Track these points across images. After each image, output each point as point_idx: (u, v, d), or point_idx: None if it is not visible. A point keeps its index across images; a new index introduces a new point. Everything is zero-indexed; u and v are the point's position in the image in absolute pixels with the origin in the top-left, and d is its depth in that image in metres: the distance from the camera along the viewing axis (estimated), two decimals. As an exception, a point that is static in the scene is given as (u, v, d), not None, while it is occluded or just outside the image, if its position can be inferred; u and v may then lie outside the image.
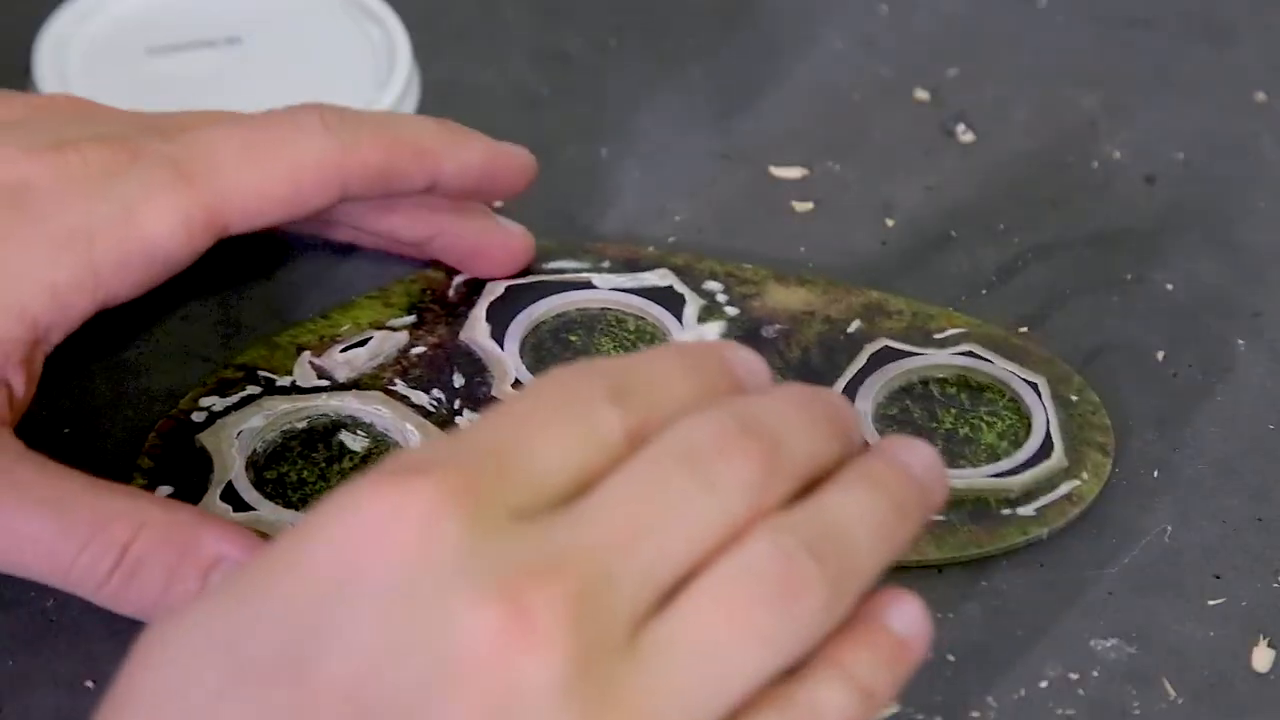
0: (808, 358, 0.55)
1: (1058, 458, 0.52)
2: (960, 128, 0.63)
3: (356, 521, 0.38)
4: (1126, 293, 0.59)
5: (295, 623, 0.38)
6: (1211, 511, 0.53)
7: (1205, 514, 0.53)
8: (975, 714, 0.49)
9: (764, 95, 0.64)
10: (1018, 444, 0.53)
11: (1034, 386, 0.54)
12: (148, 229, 0.49)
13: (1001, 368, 0.55)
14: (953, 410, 0.54)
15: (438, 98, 0.64)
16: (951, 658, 0.50)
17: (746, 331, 0.56)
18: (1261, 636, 0.50)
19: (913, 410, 0.54)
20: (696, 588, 0.39)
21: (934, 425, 0.54)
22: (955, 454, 0.53)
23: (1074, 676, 0.50)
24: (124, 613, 0.48)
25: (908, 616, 0.42)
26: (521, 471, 0.39)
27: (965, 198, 0.61)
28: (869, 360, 0.55)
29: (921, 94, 0.65)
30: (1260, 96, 0.65)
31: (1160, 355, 0.57)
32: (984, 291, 0.59)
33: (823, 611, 0.40)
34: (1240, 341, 0.57)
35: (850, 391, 0.54)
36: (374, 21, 0.64)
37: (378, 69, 0.63)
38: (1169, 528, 0.53)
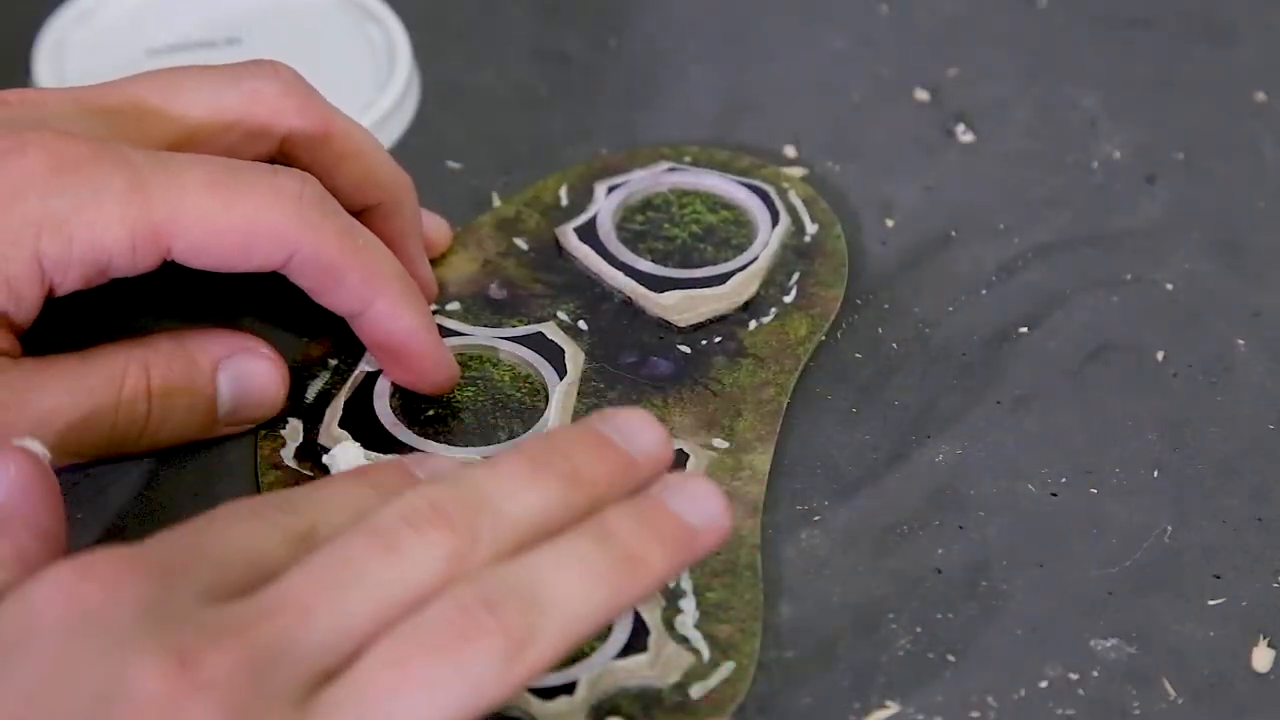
0: None
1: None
2: (960, 128, 0.63)
3: (46, 581, 0.40)
4: (1126, 293, 0.59)
5: None
6: (1211, 511, 0.53)
7: (1205, 514, 0.53)
8: (975, 714, 0.49)
9: (764, 95, 0.65)
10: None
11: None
12: (94, 231, 0.49)
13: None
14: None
15: (438, 98, 0.64)
16: (951, 658, 0.50)
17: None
18: (1261, 636, 0.50)
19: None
20: (372, 648, 0.40)
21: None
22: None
23: (1074, 676, 0.50)
24: (159, 447, 0.52)
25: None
26: (202, 557, 0.41)
27: (965, 198, 0.61)
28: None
29: (921, 94, 0.65)
30: (1260, 96, 0.65)
31: (1160, 355, 0.57)
32: (984, 291, 0.59)
33: (500, 661, 0.40)
34: (1240, 341, 0.57)
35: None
36: (374, 21, 0.64)
37: (378, 69, 0.63)
38: (1169, 528, 0.53)
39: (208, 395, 0.52)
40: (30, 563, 0.44)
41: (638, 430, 0.45)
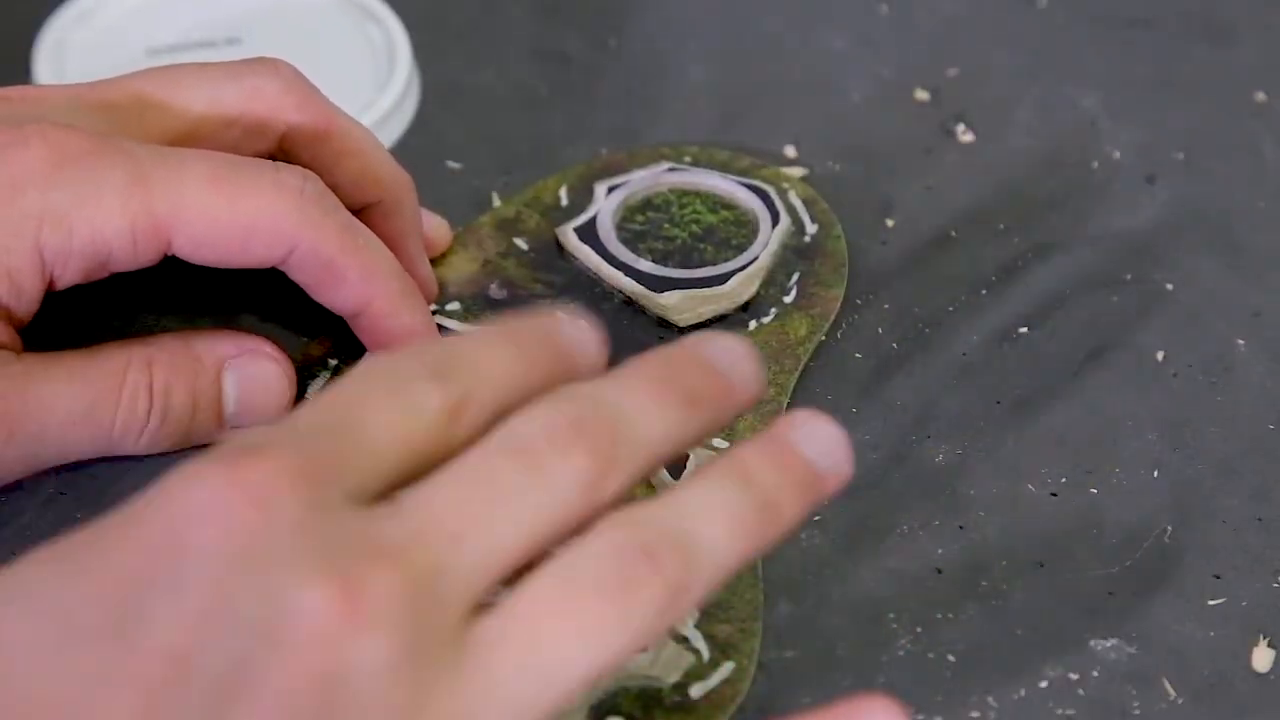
0: None
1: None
2: (960, 128, 0.63)
3: (192, 497, 0.39)
4: (1126, 293, 0.59)
5: (125, 588, 0.38)
6: (1211, 511, 0.53)
7: (1205, 514, 0.53)
8: (975, 714, 0.49)
9: (764, 95, 0.65)
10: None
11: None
12: (95, 224, 0.49)
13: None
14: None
15: (438, 98, 0.64)
16: (951, 658, 0.50)
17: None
18: (1261, 636, 0.50)
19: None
20: (529, 583, 0.39)
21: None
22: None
23: (1074, 676, 0.50)
24: (161, 450, 0.52)
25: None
26: (352, 452, 0.40)
27: (965, 198, 0.61)
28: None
29: (921, 94, 0.65)
30: (1260, 96, 0.65)
31: (1160, 355, 0.57)
32: (984, 291, 0.59)
33: (657, 614, 0.40)
34: (1240, 341, 0.57)
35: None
36: (374, 21, 0.64)
37: (378, 69, 0.63)
38: (1169, 528, 0.53)
39: (212, 395, 0.52)
40: None
41: (738, 358, 0.44)
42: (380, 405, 0.41)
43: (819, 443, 0.43)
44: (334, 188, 0.53)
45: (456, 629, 0.39)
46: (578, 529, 0.40)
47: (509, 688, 0.39)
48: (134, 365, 0.51)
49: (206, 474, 0.39)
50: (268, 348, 0.54)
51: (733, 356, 0.44)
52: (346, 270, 0.52)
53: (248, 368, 0.53)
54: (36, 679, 0.38)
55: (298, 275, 0.52)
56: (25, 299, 0.50)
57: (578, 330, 0.44)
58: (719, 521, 0.41)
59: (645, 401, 0.42)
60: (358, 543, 0.39)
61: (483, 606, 0.39)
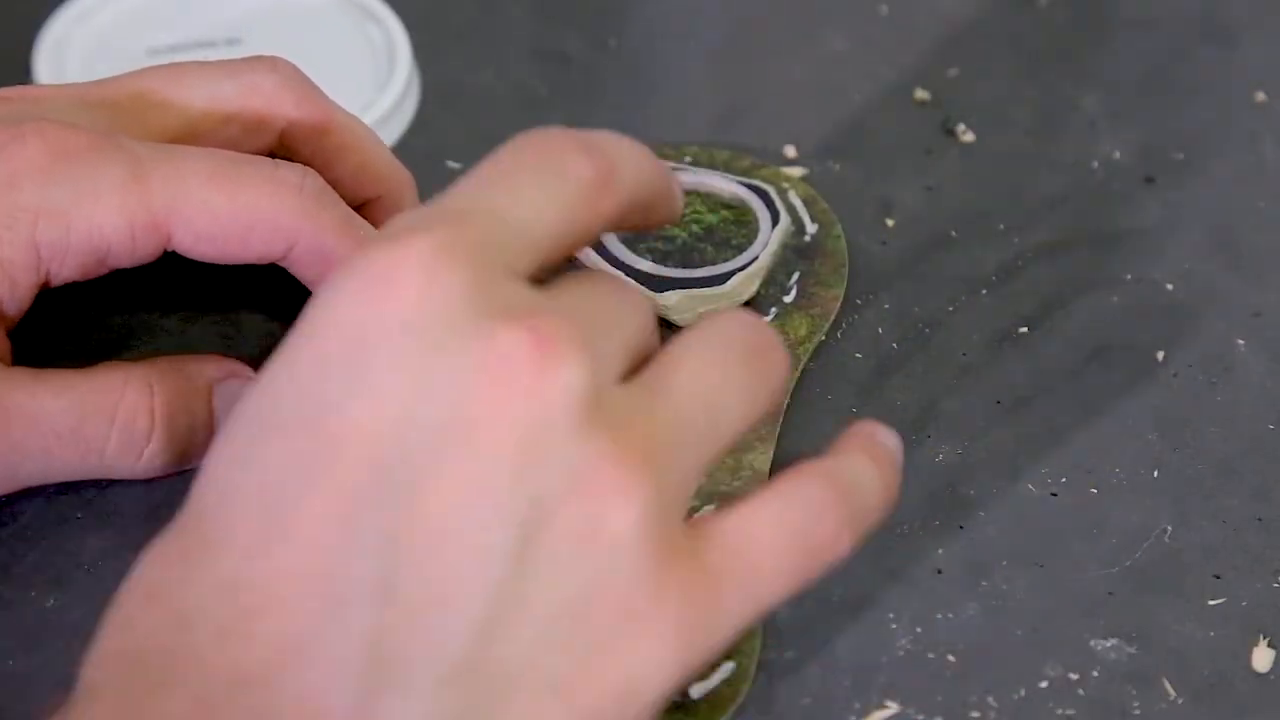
0: None
1: None
2: (960, 128, 0.63)
3: (361, 282, 0.40)
4: (1126, 293, 0.59)
5: (314, 379, 0.39)
6: (1211, 511, 0.53)
7: (1205, 514, 0.53)
8: (975, 714, 0.49)
9: (764, 95, 0.64)
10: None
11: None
12: (93, 219, 0.49)
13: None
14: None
15: (438, 98, 0.64)
16: (951, 658, 0.50)
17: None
18: (1261, 636, 0.50)
19: None
20: (678, 344, 0.43)
21: None
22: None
23: (1074, 676, 0.50)
24: (158, 473, 0.51)
25: (892, 441, 0.46)
26: (510, 221, 0.42)
27: (965, 198, 0.61)
28: None
29: (921, 94, 0.65)
30: (1260, 96, 0.65)
31: (1160, 355, 0.57)
32: (984, 291, 0.59)
33: (779, 381, 0.44)
34: (1240, 341, 0.57)
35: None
36: (374, 21, 0.64)
37: (378, 69, 0.63)
38: (1169, 528, 0.53)
39: (206, 417, 0.52)
40: None
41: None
42: (534, 180, 0.43)
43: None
44: (334, 184, 0.53)
45: (622, 378, 0.41)
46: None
47: (686, 425, 0.41)
48: (133, 385, 0.50)
49: (369, 261, 0.40)
50: (250, 371, 0.53)
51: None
52: None
53: (234, 390, 0.53)
54: (238, 469, 0.39)
55: (298, 271, 0.52)
56: (18, 295, 0.50)
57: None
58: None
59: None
60: (529, 302, 0.40)
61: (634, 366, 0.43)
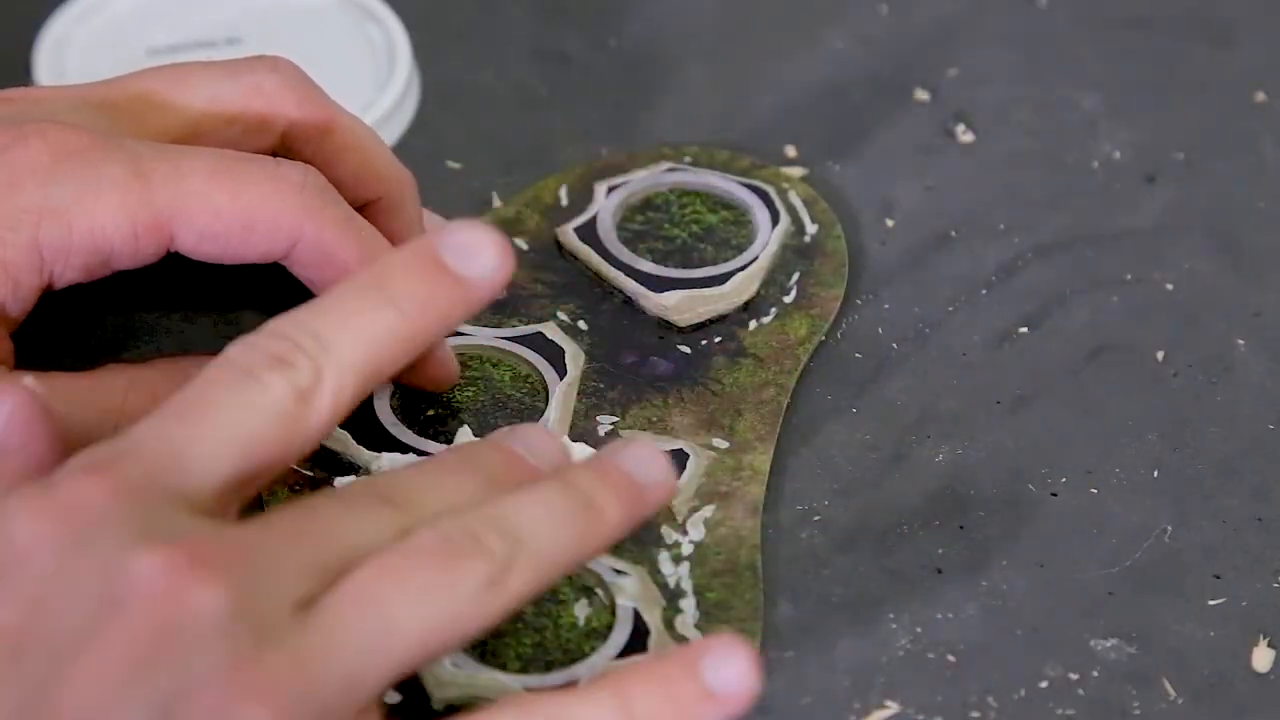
0: None
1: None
2: (960, 128, 0.63)
3: (21, 507, 0.41)
4: (1126, 293, 0.59)
5: None
6: (1211, 511, 0.53)
7: (1205, 514, 0.53)
8: (975, 714, 0.49)
9: (764, 95, 0.65)
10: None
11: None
12: (95, 219, 0.49)
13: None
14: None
15: (438, 98, 0.64)
16: (951, 658, 0.50)
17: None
18: (1261, 636, 0.50)
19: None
20: (363, 563, 0.42)
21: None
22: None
23: (1074, 676, 0.50)
24: None
25: (728, 671, 0.43)
26: (187, 459, 0.42)
27: (965, 198, 0.61)
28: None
29: (921, 94, 0.65)
30: (1260, 96, 0.65)
31: (1160, 355, 0.57)
32: (984, 291, 0.59)
33: (485, 585, 0.42)
34: (1240, 341, 0.57)
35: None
36: (374, 21, 0.64)
37: (378, 69, 0.63)
38: (1169, 528, 0.53)
39: None
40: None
41: (543, 445, 0.47)
42: (214, 417, 0.43)
43: (636, 458, 0.46)
44: (335, 184, 0.52)
45: (291, 611, 0.41)
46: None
47: (345, 645, 0.41)
48: (135, 389, 0.51)
49: (47, 485, 0.41)
50: None
51: (542, 445, 0.47)
52: (349, 263, 0.51)
53: None
54: None
55: (299, 270, 0.52)
56: (21, 295, 0.50)
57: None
58: (542, 516, 0.44)
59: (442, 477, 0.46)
60: (194, 532, 0.41)
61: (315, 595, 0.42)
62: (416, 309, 0.45)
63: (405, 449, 0.53)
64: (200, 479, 0.42)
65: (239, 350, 0.44)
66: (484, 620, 0.43)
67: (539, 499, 0.44)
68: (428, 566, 0.42)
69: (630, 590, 0.50)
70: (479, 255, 0.46)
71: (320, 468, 0.53)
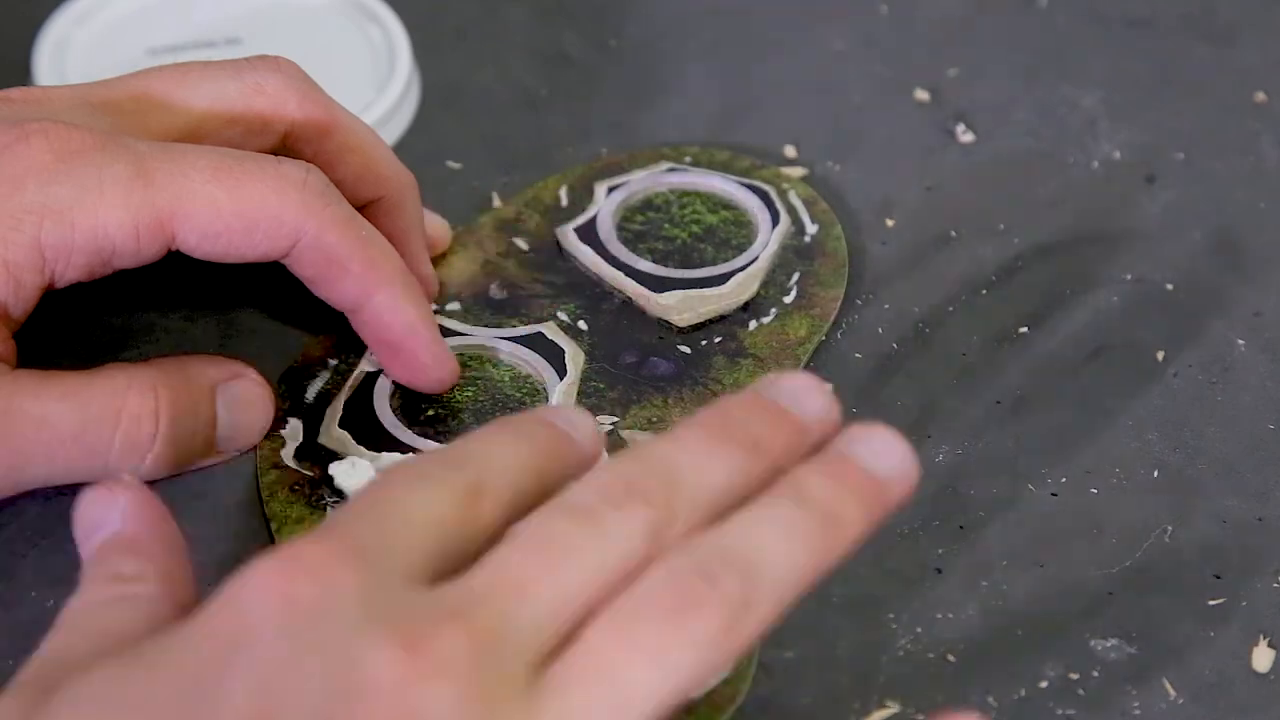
0: None
1: None
2: (960, 128, 0.63)
3: (253, 582, 0.39)
4: (1126, 293, 0.59)
5: (193, 676, 0.39)
6: (1211, 511, 0.53)
7: (1205, 514, 0.53)
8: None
9: (764, 95, 0.65)
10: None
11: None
12: (97, 218, 0.49)
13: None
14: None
15: (438, 98, 0.64)
16: (951, 658, 0.50)
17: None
18: (1261, 636, 0.50)
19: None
20: (594, 623, 0.40)
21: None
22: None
23: (1074, 676, 0.50)
24: (162, 475, 0.51)
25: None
26: (393, 531, 0.41)
27: (965, 198, 0.61)
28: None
29: (921, 94, 0.65)
30: (1260, 96, 0.65)
31: (1160, 355, 0.57)
32: (984, 291, 0.59)
33: (723, 631, 0.40)
34: (1240, 341, 0.57)
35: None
36: (374, 22, 0.64)
37: (378, 69, 0.63)
38: (1169, 528, 0.53)
39: (209, 419, 0.52)
40: (174, 581, 0.43)
41: (806, 395, 0.44)
42: (407, 494, 0.41)
43: (875, 450, 0.43)
44: (336, 184, 0.53)
45: (527, 674, 0.39)
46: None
47: None
48: (136, 388, 0.50)
49: (263, 567, 0.39)
50: (253, 373, 0.53)
51: (801, 393, 0.44)
52: (349, 263, 0.51)
53: (235, 390, 0.53)
54: None
55: (300, 269, 0.52)
56: (23, 295, 0.50)
57: (572, 414, 0.45)
58: (777, 538, 0.41)
59: (699, 453, 0.42)
60: (421, 608, 0.39)
61: (554, 651, 0.40)
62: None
63: (405, 449, 0.53)
64: (409, 546, 0.41)
65: (406, 463, 0.43)
66: (718, 667, 0.40)
67: (773, 519, 0.41)
68: (661, 622, 0.40)
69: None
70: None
71: (318, 465, 0.53)
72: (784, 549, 0.41)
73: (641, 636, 0.40)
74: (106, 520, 0.44)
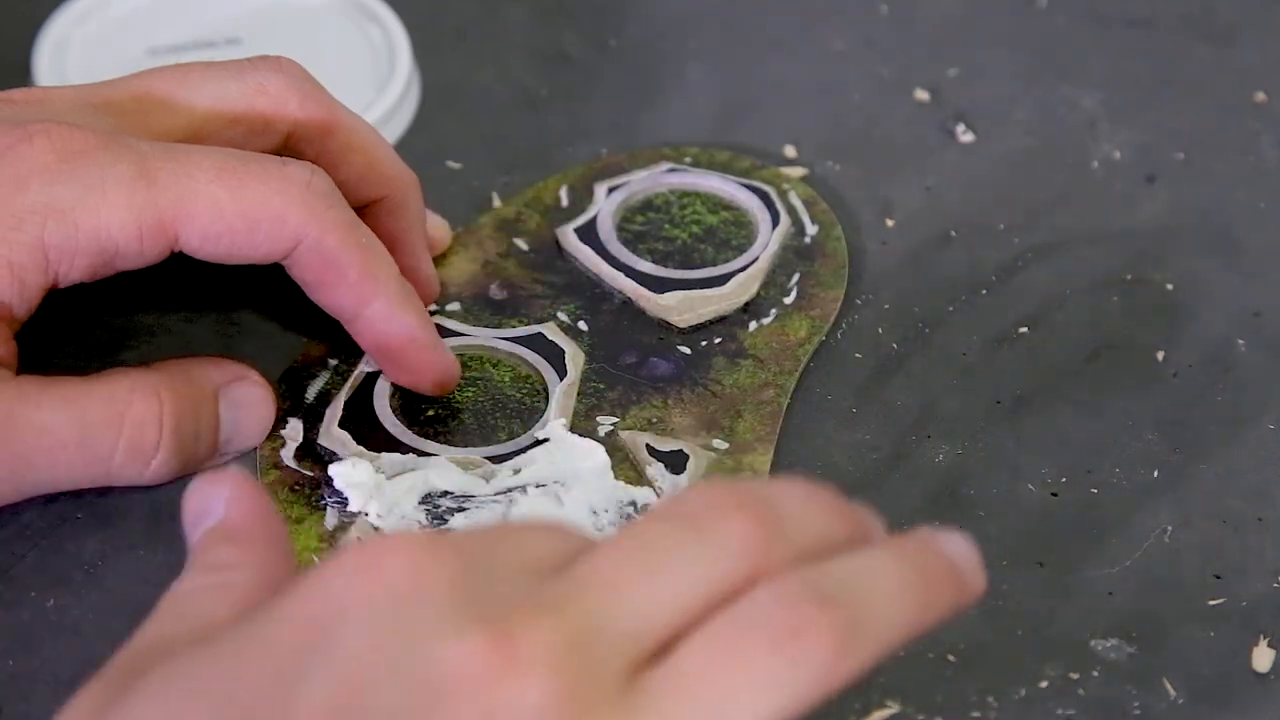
0: None
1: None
2: (960, 128, 0.63)
3: (344, 566, 0.38)
4: (1126, 293, 0.59)
5: (280, 659, 0.38)
6: (1211, 511, 0.53)
7: (1205, 514, 0.53)
8: (975, 714, 0.49)
9: (764, 95, 0.64)
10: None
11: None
12: (100, 219, 0.49)
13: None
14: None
15: (438, 98, 0.64)
16: (951, 658, 0.50)
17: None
18: (1261, 636, 0.50)
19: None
20: (696, 636, 0.38)
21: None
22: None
23: (1074, 676, 0.50)
24: (166, 480, 0.51)
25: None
26: (504, 544, 0.39)
27: (965, 198, 0.61)
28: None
29: (921, 94, 0.65)
30: (1260, 96, 0.65)
31: (1160, 355, 0.57)
32: (984, 291, 0.59)
33: (830, 661, 0.38)
34: (1240, 341, 0.57)
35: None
36: (374, 22, 0.64)
37: (378, 69, 0.63)
38: (1169, 528, 0.53)
39: (212, 423, 0.52)
40: (272, 570, 0.43)
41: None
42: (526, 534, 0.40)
43: (959, 549, 0.42)
44: (339, 184, 0.52)
45: (620, 679, 0.38)
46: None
47: None
48: (140, 394, 0.50)
49: (355, 552, 0.39)
50: (254, 374, 0.53)
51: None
52: (347, 270, 0.51)
53: (238, 393, 0.53)
54: None
55: (299, 272, 0.52)
56: (27, 296, 0.50)
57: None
58: (889, 579, 0.40)
59: (803, 499, 0.41)
60: (512, 600, 0.38)
61: (649, 661, 0.38)
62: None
63: (405, 449, 0.53)
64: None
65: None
66: (825, 691, 0.38)
67: (880, 563, 0.40)
68: (766, 644, 0.38)
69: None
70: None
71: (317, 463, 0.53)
72: (893, 589, 0.40)
73: (749, 656, 0.38)
74: (211, 509, 0.43)
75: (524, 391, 0.55)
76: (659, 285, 0.57)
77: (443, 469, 0.52)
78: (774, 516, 0.40)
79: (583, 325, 0.57)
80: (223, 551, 0.43)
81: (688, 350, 0.56)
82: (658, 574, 0.39)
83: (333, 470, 0.52)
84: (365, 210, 0.54)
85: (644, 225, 0.59)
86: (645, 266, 0.58)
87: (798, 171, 0.62)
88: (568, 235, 0.59)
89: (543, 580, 0.39)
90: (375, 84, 0.63)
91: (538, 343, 0.56)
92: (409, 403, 0.54)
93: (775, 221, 0.59)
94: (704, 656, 0.38)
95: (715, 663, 0.38)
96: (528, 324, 0.57)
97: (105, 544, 0.52)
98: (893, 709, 0.49)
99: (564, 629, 0.37)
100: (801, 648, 0.38)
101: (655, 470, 0.53)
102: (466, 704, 0.37)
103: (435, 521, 0.51)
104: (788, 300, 0.58)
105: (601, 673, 0.37)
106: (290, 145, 0.54)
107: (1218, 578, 0.52)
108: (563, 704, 0.37)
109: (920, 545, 0.41)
